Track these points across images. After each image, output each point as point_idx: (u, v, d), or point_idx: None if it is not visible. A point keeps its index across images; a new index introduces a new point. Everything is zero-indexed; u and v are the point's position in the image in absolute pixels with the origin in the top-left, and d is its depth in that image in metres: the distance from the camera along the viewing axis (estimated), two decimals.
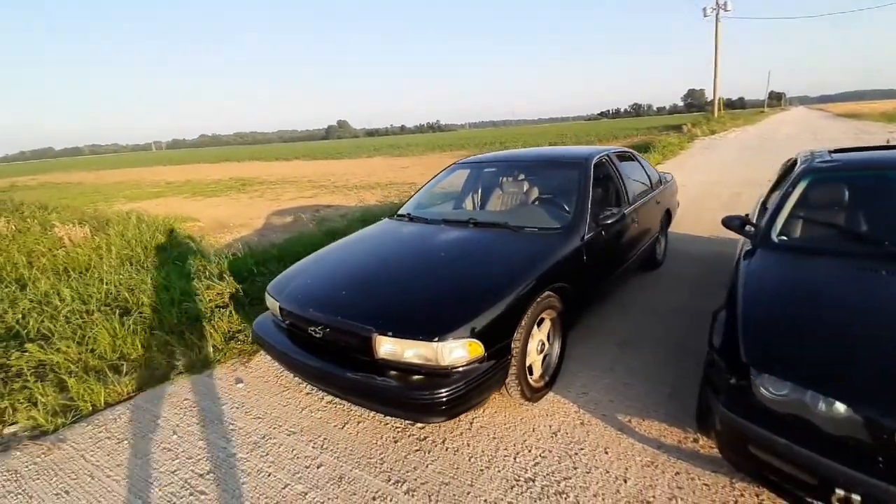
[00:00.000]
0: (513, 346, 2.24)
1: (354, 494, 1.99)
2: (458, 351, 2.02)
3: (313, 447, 2.31)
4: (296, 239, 6.43)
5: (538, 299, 2.37)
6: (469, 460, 2.15)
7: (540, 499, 1.90)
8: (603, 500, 1.88)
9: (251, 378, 3.05)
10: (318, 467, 2.16)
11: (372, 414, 2.52)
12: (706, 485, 1.93)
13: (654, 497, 1.88)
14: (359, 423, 2.48)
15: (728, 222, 2.82)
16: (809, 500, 1.60)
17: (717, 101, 32.47)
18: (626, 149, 4.37)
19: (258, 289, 4.24)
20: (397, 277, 2.53)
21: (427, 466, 2.13)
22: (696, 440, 2.19)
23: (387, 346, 2.10)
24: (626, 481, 1.97)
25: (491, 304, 2.16)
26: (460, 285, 2.35)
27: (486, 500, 1.91)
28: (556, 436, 2.28)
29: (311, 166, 26.36)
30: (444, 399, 1.98)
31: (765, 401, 1.66)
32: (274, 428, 2.49)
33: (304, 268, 2.91)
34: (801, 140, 17.66)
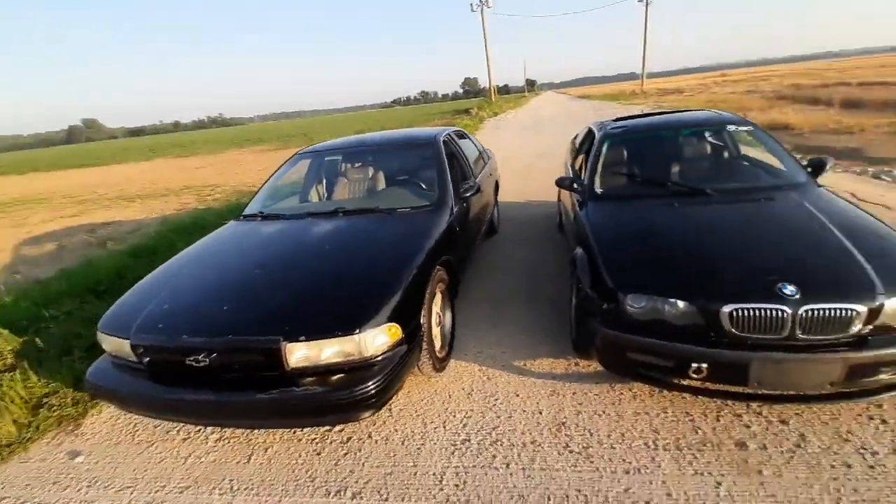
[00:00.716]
0: (422, 322, 2.28)
1: None
2: (380, 338, 1.97)
3: (220, 493, 1.97)
4: (83, 267, 5.08)
5: (433, 273, 2.46)
6: (403, 444, 2.14)
7: (480, 453, 2.03)
8: (530, 434, 2.12)
9: (92, 446, 2.37)
10: None
11: (279, 435, 2.27)
12: (596, 395, 2.35)
13: (565, 416, 2.20)
14: (266, 449, 2.20)
15: (560, 182, 3.38)
16: (673, 380, 2.12)
17: (492, 88, 37.27)
18: (459, 128, 4.74)
19: (56, 337, 3.26)
20: (287, 279, 2.29)
21: (363, 465, 2.04)
22: (577, 364, 2.61)
23: (300, 353, 1.91)
24: (541, 412, 2.25)
25: (400, 285, 2.16)
26: (364, 273, 2.27)
27: (434, 474, 1.95)
28: (471, 396, 2.44)
29: (59, 178, 20.79)
30: (373, 391, 1.92)
31: (632, 314, 2.10)
32: (157, 491, 2.01)
33: (149, 293, 2.36)
34: (560, 118, 21.71)
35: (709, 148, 3.38)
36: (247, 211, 3.36)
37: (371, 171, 3.59)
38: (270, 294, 2.17)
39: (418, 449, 2.10)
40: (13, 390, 2.67)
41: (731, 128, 3.27)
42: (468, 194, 3.27)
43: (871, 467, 1.76)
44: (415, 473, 1.96)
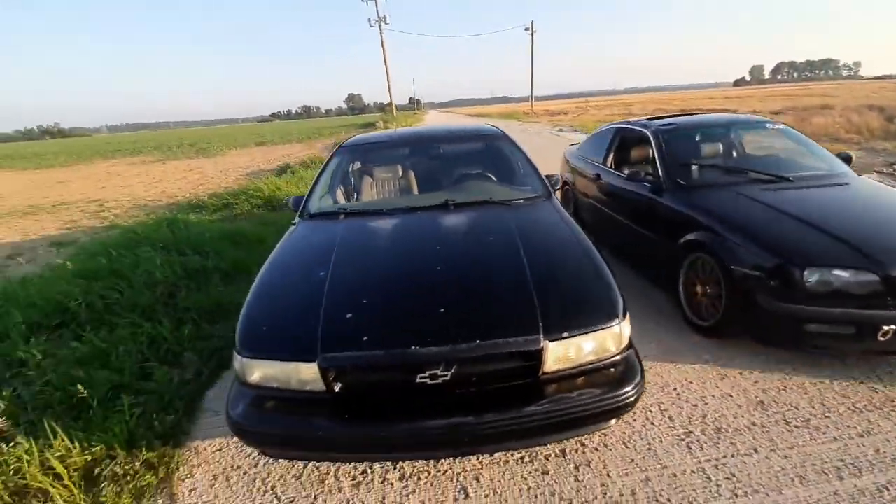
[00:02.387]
0: None
1: None
2: (626, 329, 1.75)
3: None
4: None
5: None
6: (628, 447, 1.93)
7: (717, 443, 1.92)
8: (742, 417, 2.06)
9: None
10: None
11: (479, 461, 1.90)
12: (762, 373, 2.38)
13: (756, 396, 2.19)
14: (477, 479, 1.81)
15: (633, 177, 3.46)
16: (850, 345, 2.24)
17: (393, 105, 37.45)
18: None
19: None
20: (486, 275, 1.90)
21: (609, 476, 1.79)
22: (720, 345, 2.63)
23: (559, 353, 1.61)
24: (731, 395, 2.22)
25: (608, 270, 1.96)
26: (571, 260, 2.00)
27: (693, 471, 1.79)
28: (650, 390, 2.32)
29: None
30: (633, 396, 1.66)
31: (809, 288, 2.19)
32: None
33: (296, 305, 1.83)
34: None
35: (754, 142, 3.75)
36: (314, 209, 2.82)
37: (441, 164, 3.29)
38: (488, 292, 1.80)
39: (649, 448, 1.92)
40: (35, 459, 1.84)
41: (769, 126, 3.68)
42: (556, 187, 3.16)
43: None
44: (673, 474, 1.78)
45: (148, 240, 5.37)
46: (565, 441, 1.96)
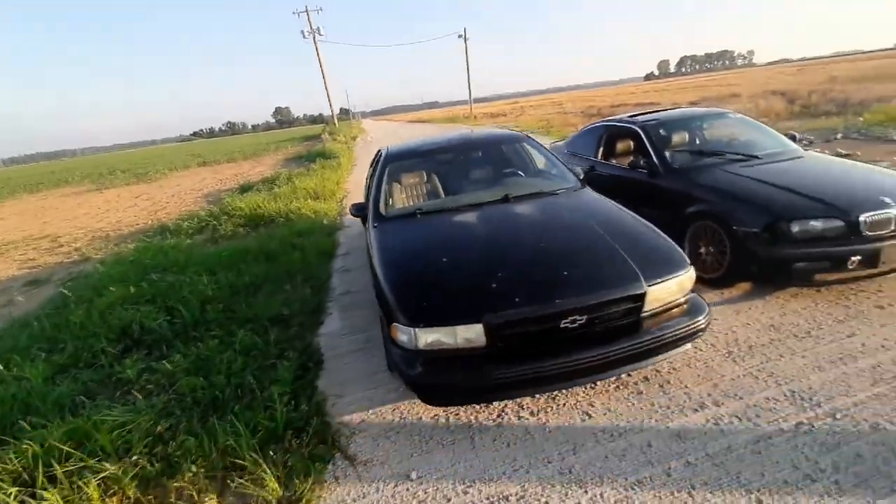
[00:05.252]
0: None
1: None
2: (693, 273, 2.31)
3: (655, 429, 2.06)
4: None
5: None
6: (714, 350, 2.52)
7: (751, 354, 2.56)
8: (766, 334, 2.73)
9: (412, 463, 2.10)
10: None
11: (597, 393, 2.40)
12: (765, 304, 3.09)
13: (769, 320, 2.87)
14: (605, 401, 2.32)
15: (633, 165, 4.12)
16: (822, 276, 2.97)
17: (335, 116, 37.23)
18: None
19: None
20: (578, 245, 2.43)
21: (711, 382, 2.36)
22: (721, 293, 3.32)
23: (654, 294, 2.15)
24: (749, 324, 2.88)
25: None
26: (635, 229, 2.57)
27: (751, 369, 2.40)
28: None
29: None
30: (703, 324, 2.23)
31: (795, 235, 2.92)
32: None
33: (438, 280, 2.25)
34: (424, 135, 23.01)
35: (720, 129, 4.58)
36: (387, 213, 3.20)
37: (478, 165, 3.77)
38: (590, 256, 2.31)
39: (707, 366, 2.51)
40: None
41: (731, 116, 4.53)
42: (581, 176, 3.73)
43: None
44: (732, 379, 2.38)
45: (154, 265, 5.39)
46: (645, 369, 2.52)
